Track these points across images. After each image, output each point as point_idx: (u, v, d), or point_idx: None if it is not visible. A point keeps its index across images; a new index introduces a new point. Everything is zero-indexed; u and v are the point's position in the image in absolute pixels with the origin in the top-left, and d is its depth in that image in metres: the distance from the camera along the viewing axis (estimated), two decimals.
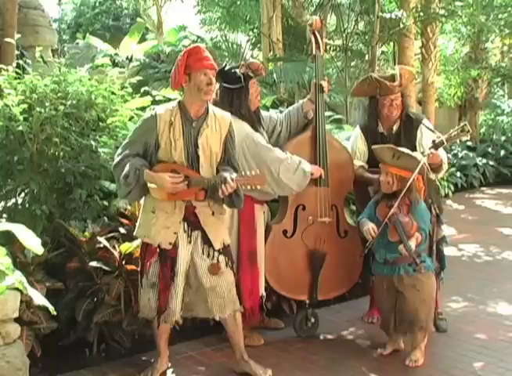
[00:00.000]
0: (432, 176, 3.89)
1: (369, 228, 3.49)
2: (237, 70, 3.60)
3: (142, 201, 3.33)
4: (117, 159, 3.19)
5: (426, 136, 3.89)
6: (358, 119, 8.06)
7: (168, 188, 3.06)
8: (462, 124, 3.71)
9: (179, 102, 3.22)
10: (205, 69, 3.11)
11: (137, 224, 3.32)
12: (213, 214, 3.21)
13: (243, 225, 3.61)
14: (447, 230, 6.96)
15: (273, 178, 3.59)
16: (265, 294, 3.72)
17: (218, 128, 3.22)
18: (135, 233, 3.33)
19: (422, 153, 3.74)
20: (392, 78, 3.94)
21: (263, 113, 3.90)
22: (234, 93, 3.57)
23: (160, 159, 3.15)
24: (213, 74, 3.14)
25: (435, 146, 3.64)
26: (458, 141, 10.50)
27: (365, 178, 3.96)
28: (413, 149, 3.83)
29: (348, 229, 3.96)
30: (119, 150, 3.24)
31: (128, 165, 3.07)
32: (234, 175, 3.06)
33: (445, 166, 3.88)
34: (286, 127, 3.96)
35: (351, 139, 4.19)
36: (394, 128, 4.00)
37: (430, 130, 3.91)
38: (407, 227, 3.42)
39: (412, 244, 3.41)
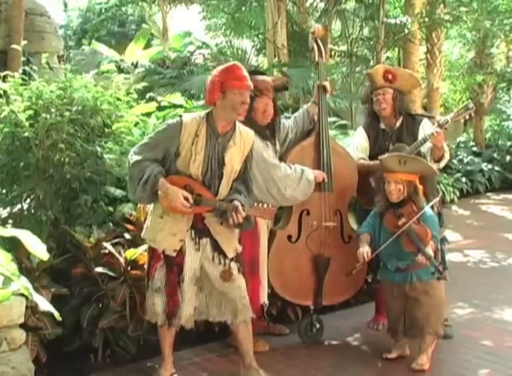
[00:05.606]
0: (434, 166, 3.91)
1: (364, 252, 3.50)
2: None
3: (150, 205, 3.33)
4: (135, 157, 3.13)
5: (428, 131, 3.92)
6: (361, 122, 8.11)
7: (176, 206, 3.06)
8: (466, 102, 3.79)
9: (207, 114, 3.19)
10: (242, 89, 3.10)
11: (145, 226, 3.33)
12: (221, 224, 3.20)
13: (244, 233, 3.58)
14: (452, 236, 6.99)
15: (280, 194, 3.64)
16: (267, 302, 3.69)
17: (242, 146, 3.22)
18: (142, 235, 3.34)
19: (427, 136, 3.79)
20: (383, 74, 4.00)
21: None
22: None
23: (178, 168, 3.14)
24: (248, 94, 3.14)
25: (440, 125, 3.73)
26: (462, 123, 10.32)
27: (366, 166, 4.00)
28: None
29: (352, 235, 3.95)
30: (137, 149, 3.18)
31: (147, 170, 3.06)
32: (244, 201, 3.09)
33: (447, 155, 3.92)
34: (295, 134, 3.97)
35: (354, 137, 4.23)
36: (397, 124, 4.05)
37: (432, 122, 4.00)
38: (423, 235, 3.40)
39: (430, 251, 3.39)
